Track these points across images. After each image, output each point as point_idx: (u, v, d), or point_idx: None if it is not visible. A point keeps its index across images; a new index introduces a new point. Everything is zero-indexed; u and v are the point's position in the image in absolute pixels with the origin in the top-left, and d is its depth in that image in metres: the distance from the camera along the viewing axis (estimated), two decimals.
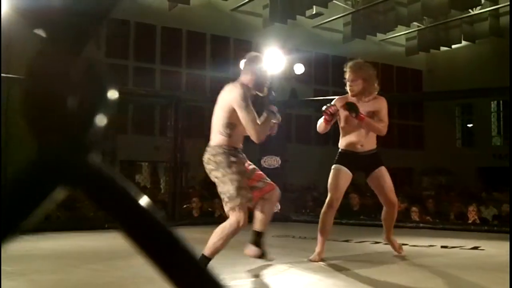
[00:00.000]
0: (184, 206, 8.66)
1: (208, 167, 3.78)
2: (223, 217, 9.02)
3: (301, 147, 14.91)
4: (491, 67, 17.34)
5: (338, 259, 4.79)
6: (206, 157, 3.77)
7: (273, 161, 8.89)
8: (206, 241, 6.22)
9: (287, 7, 14.71)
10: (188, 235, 5.74)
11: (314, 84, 17.00)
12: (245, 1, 15.65)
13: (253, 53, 4.11)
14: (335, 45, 17.42)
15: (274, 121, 4.03)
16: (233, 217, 3.75)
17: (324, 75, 17.53)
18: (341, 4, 16.01)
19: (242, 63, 4.05)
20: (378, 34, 17.31)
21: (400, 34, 18.31)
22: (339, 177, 4.56)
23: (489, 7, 15.57)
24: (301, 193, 12.18)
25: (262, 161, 8.92)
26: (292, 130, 13.93)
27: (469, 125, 21.37)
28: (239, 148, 3.87)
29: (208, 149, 3.80)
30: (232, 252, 5.24)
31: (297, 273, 4.15)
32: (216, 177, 3.76)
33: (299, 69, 12.21)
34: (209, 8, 15.89)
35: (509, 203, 6.38)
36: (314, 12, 15.64)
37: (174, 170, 8.07)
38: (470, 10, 15.97)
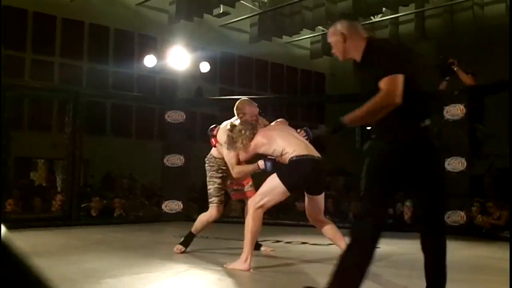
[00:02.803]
0: (83, 205, 8.33)
1: None
2: (123, 217, 8.78)
3: (206, 146, 14.83)
4: None
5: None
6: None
7: (176, 160, 8.76)
8: (105, 241, 6.02)
9: (194, 4, 14.56)
10: (87, 235, 5.50)
11: (220, 83, 16.98)
12: None
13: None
14: (242, 45, 17.50)
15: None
16: None
17: (230, 74, 17.57)
18: (249, 4, 16.10)
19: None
20: (284, 36, 17.58)
21: (305, 37, 18.70)
22: None
23: (390, 15, 16.28)
24: (204, 192, 12.10)
25: (165, 160, 8.77)
26: (197, 129, 13.83)
27: (368, 128, 22.24)
28: None
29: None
30: (132, 253, 5.09)
31: (197, 273, 4.09)
32: None
33: (205, 67, 12.14)
34: (114, 1, 15.41)
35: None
36: (221, 11, 15.60)
37: (72, 168, 7.73)
38: (372, 17, 16.63)
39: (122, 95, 12.90)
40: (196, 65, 12.06)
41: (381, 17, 16.62)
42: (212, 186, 5.07)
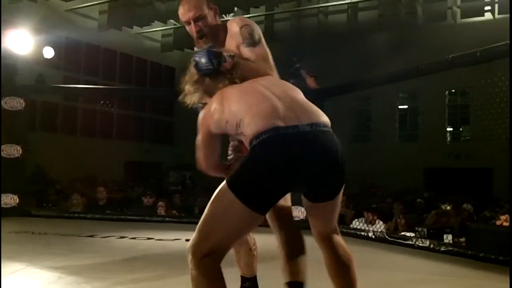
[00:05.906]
0: None
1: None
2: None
3: (46, 135, 14.03)
4: None
5: (82, 256, 4.60)
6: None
7: (13, 150, 8.16)
8: None
9: None
10: None
11: (64, 71, 16.11)
12: None
13: None
14: (89, 33, 16.79)
15: None
16: None
17: (76, 62, 16.75)
18: None
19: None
20: (134, 26, 17.20)
21: (156, 29, 18.48)
22: None
23: (241, 15, 16.68)
24: (43, 185, 11.42)
25: (1, 151, 8.12)
26: (37, 118, 13.01)
27: None
28: None
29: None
30: None
31: (35, 272, 3.85)
32: None
33: (49, 53, 11.44)
34: None
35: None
36: None
37: None
38: (223, 16, 16.89)
39: None
40: (39, 50, 11.31)
41: (232, 16, 16.97)
42: None
